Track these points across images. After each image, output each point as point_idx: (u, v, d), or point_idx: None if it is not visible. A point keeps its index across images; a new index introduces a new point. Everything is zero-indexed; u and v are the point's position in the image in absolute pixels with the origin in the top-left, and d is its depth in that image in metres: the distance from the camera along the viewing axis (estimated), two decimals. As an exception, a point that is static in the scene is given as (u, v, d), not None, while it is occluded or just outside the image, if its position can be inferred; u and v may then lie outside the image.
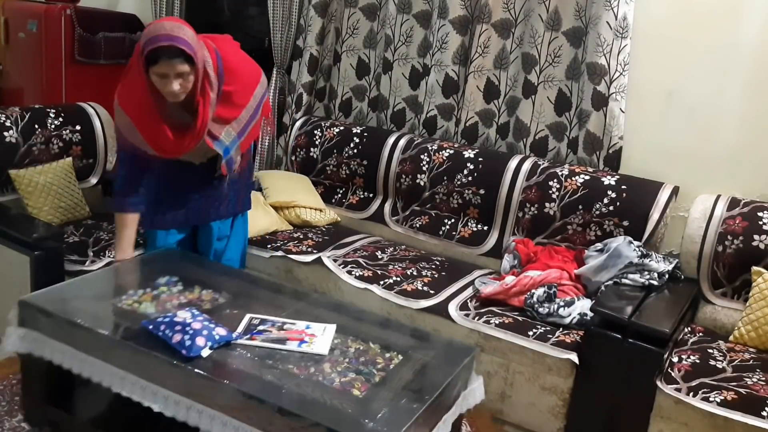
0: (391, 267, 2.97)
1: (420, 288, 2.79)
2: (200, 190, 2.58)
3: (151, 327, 1.95)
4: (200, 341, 1.88)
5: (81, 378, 2.01)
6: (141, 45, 2.12)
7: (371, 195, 3.53)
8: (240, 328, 2.04)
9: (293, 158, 3.72)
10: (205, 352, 1.88)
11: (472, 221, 3.23)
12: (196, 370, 1.81)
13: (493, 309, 2.67)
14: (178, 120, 2.27)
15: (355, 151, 3.52)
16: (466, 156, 3.24)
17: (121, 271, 2.48)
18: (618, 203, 2.88)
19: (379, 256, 3.08)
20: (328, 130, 3.63)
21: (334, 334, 2.07)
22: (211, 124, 2.33)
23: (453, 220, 3.26)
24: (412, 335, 2.22)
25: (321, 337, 2.04)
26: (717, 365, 2.32)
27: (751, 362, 2.36)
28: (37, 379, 2.19)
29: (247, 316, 2.11)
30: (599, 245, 2.83)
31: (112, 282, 2.35)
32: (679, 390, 2.20)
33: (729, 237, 2.65)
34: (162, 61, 2.09)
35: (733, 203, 2.71)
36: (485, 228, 3.19)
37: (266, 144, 3.91)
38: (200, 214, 2.62)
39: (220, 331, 1.95)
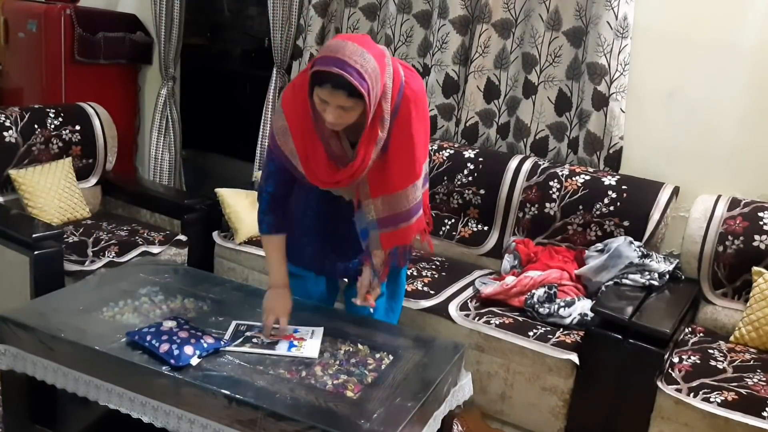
0: (391, 267, 2.96)
1: (420, 288, 2.78)
2: (347, 232, 2.09)
3: (137, 337, 1.92)
4: (188, 350, 1.86)
5: (65, 393, 1.98)
6: (317, 57, 1.79)
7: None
8: (227, 335, 2.03)
9: (293, 158, 3.71)
10: (194, 361, 1.86)
11: (473, 221, 3.22)
12: (186, 379, 1.80)
13: (494, 309, 2.66)
14: (334, 146, 1.90)
15: (355, 151, 3.51)
16: (466, 156, 3.23)
17: (100, 283, 2.43)
18: (618, 203, 2.87)
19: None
20: (328, 130, 3.62)
21: (323, 336, 2.07)
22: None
23: (453, 220, 3.26)
24: (401, 335, 2.22)
25: (310, 340, 2.03)
26: (717, 366, 2.32)
27: (751, 363, 2.36)
28: (18, 396, 2.14)
29: (234, 323, 2.10)
30: (600, 245, 2.83)
31: (92, 294, 2.28)
32: (679, 390, 2.20)
33: (729, 237, 2.64)
34: (325, 87, 1.75)
35: (734, 203, 2.71)
36: (485, 228, 3.19)
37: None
38: (343, 262, 2.20)
39: (208, 339, 1.94)
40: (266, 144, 3.38)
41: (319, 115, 1.82)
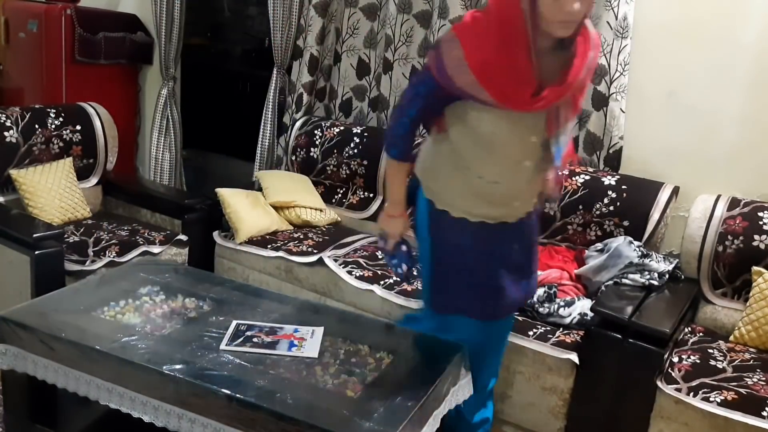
0: (391, 267, 2.97)
1: (420, 288, 2.78)
2: (522, 262, 2.09)
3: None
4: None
5: (65, 393, 1.98)
6: None
7: (371, 195, 3.53)
8: (227, 335, 2.03)
9: (293, 158, 3.72)
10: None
11: (473, 221, 3.22)
12: (186, 378, 1.80)
13: (494, 309, 2.66)
14: (545, 63, 1.80)
15: (356, 151, 3.52)
16: (466, 156, 3.23)
17: (101, 283, 2.43)
18: (618, 203, 2.87)
19: (380, 256, 3.07)
20: (329, 130, 3.63)
21: (323, 336, 2.07)
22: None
23: (453, 220, 3.25)
24: (401, 334, 2.22)
25: (310, 340, 2.04)
26: (717, 365, 2.32)
27: (751, 362, 2.36)
28: (19, 396, 2.14)
29: (234, 323, 2.10)
30: (599, 245, 2.83)
31: (93, 294, 2.29)
32: (679, 390, 2.20)
33: (729, 237, 2.64)
34: None
35: (734, 203, 2.71)
36: (485, 228, 3.19)
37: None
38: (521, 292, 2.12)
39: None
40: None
41: (538, 26, 1.72)
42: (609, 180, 2.93)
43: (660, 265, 2.68)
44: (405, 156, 2.04)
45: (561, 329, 2.53)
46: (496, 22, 1.78)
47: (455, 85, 1.83)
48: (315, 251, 3.05)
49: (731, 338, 2.55)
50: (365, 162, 3.49)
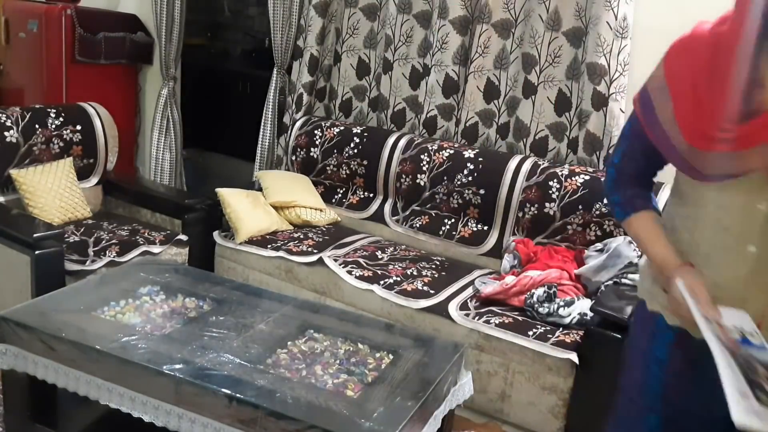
0: (391, 267, 2.97)
1: (420, 288, 2.79)
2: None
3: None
4: None
5: (65, 393, 1.99)
6: None
7: (371, 195, 3.53)
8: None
9: (293, 158, 3.72)
10: None
11: (472, 221, 3.23)
12: (186, 378, 1.81)
13: (493, 309, 2.67)
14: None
15: (356, 151, 3.52)
16: (466, 156, 3.24)
17: (101, 283, 2.43)
18: (618, 203, 2.87)
19: (379, 256, 3.08)
20: (329, 130, 3.63)
21: (323, 336, 2.07)
22: None
23: (453, 220, 3.26)
24: (401, 334, 2.23)
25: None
26: (717, 365, 2.32)
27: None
28: (19, 396, 2.15)
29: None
30: (599, 245, 2.83)
31: (93, 294, 2.30)
32: (678, 390, 2.20)
33: (729, 237, 2.64)
34: None
35: (733, 203, 2.71)
36: (485, 228, 3.19)
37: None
38: None
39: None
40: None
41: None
42: (609, 180, 2.93)
43: (659, 265, 2.68)
44: (630, 206, 1.56)
45: (561, 329, 2.53)
46: (703, 46, 1.43)
47: (658, 121, 1.42)
48: (315, 251, 3.05)
49: (731, 338, 2.54)
50: (365, 162, 3.50)
